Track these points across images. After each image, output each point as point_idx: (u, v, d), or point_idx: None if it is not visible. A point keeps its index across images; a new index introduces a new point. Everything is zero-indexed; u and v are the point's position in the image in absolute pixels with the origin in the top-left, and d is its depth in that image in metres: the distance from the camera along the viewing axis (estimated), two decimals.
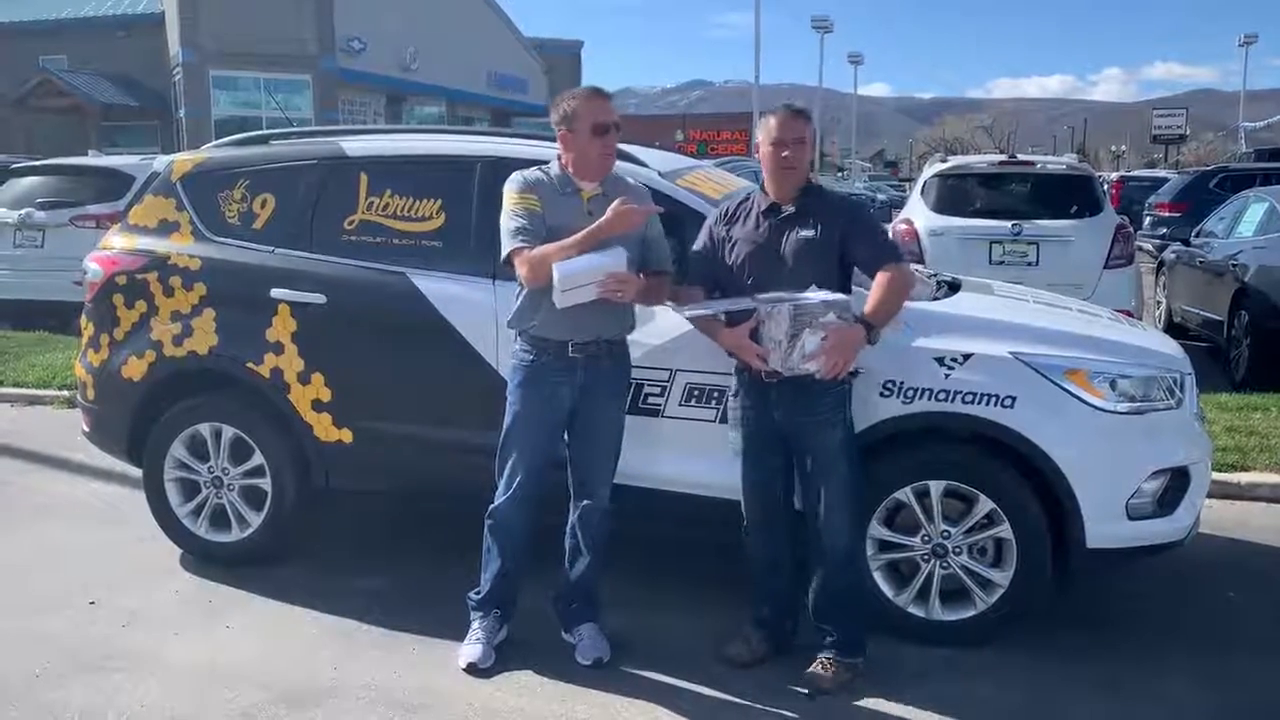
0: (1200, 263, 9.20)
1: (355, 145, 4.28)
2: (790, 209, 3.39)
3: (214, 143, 4.64)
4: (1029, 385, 3.51)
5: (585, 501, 3.48)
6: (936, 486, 3.58)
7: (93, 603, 4.02)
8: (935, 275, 4.56)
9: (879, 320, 3.26)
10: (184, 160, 4.49)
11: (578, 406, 3.41)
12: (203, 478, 4.31)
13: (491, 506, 3.50)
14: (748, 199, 3.51)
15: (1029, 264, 7.65)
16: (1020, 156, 8.44)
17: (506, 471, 3.45)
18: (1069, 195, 7.96)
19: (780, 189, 3.40)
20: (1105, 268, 7.53)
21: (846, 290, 3.36)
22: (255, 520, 4.27)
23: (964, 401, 3.51)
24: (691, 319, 3.42)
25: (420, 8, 31.19)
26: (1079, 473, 3.48)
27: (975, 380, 3.51)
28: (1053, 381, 3.52)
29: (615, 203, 3.21)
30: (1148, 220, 16.25)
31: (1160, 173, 26.00)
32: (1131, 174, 28.52)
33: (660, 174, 3.99)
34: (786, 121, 3.36)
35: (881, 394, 3.56)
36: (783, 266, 3.32)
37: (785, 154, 3.34)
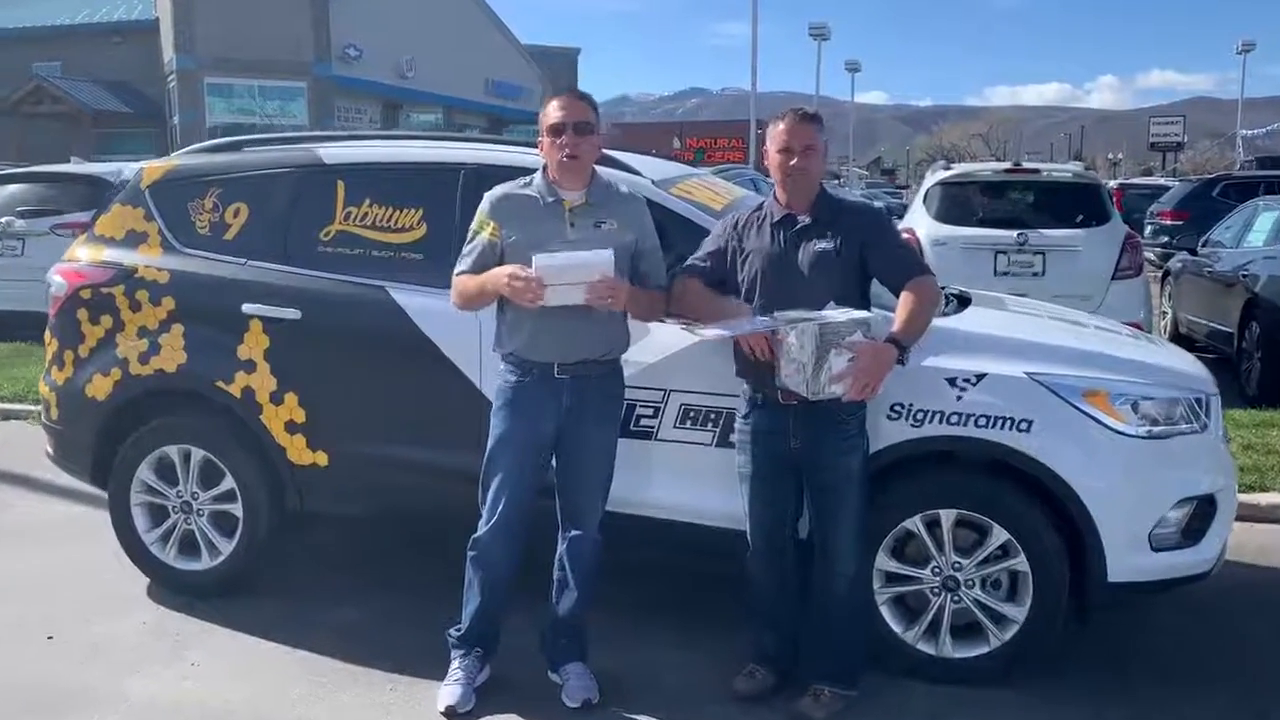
0: (1208, 273, 9.00)
1: (332, 152, 4.06)
2: (806, 219, 3.19)
3: (185, 149, 4.42)
4: (1046, 408, 3.30)
5: (574, 532, 3.25)
6: (948, 515, 3.37)
7: (51, 637, 3.79)
8: (944, 289, 4.34)
9: (909, 338, 3.06)
10: (153, 168, 4.27)
11: (565, 431, 3.18)
12: (171, 502, 4.09)
13: (474, 536, 3.27)
14: (760, 208, 3.31)
15: (1035, 274, 7.44)
16: (1025, 164, 8.25)
17: (489, 499, 3.23)
18: (1075, 204, 7.75)
19: (792, 198, 3.21)
20: (1113, 278, 7.32)
21: (865, 306, 3.15)
22: (226, 547, 4.04)
23: (977, 425, 3.30)
24: (705, 333, 3.19)
25: (417, 15, 31.07)
26: (1100, 501, 3.27)
27: (989, 402, 3.30)
28: (1071, 404, 3.31)
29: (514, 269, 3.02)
30: (1149, 229, 16.06)
31: (1159, 180, 25.85)
32: (1131, 181, 28.38)
33: (654, 182, 3.78)
34: (795, 127, 3.16)
35: (889, 417, 3.35)
36: (799, 281, 3.12)
37: (794, 162, 3.14)
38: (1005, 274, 7.44)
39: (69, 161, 12.60)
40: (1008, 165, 8.08)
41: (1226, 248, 9.12)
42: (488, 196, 3.20)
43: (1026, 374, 3.33)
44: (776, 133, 3.20)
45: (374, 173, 3.96)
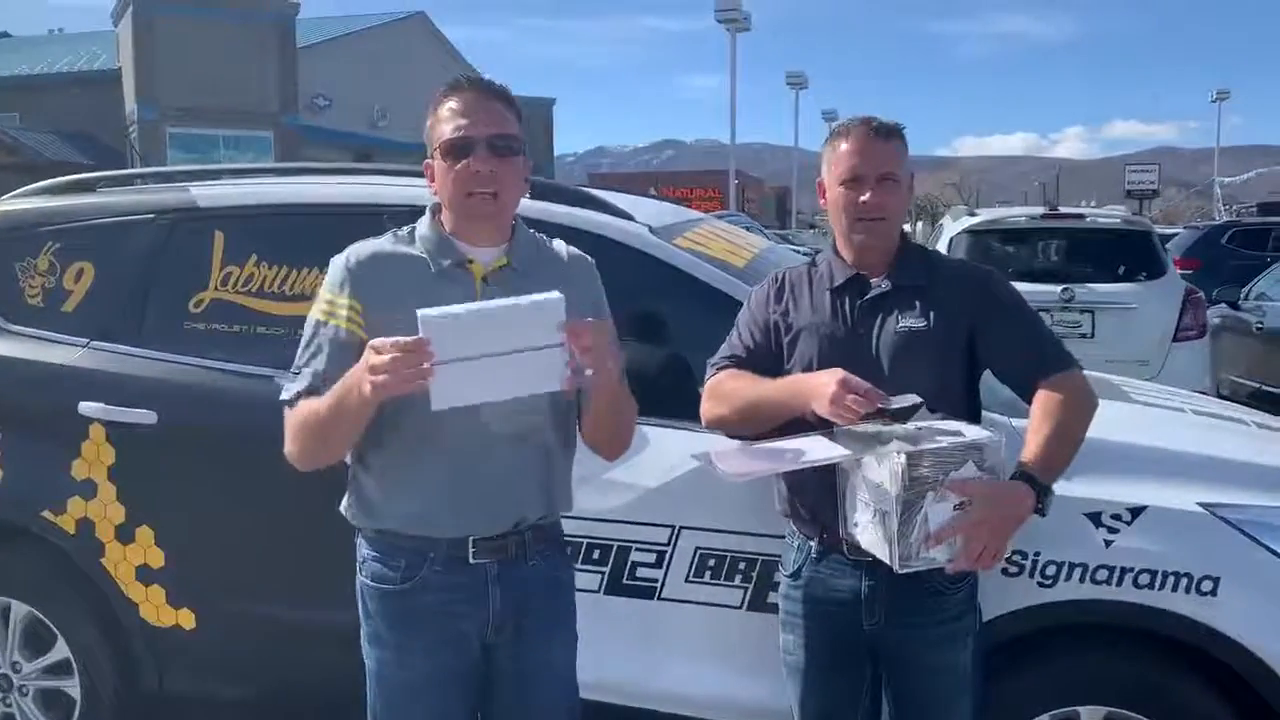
0: (1258, 329, 8.13)
1: (211, 193, 3.00)
2: (884, 285, 2.12)
3: (20, 190, 3.33)
4: (1236, 557, 2.27)
5: None
6: (1092, 715, 2.33)
7: None
8: None
9: (1051, 472, 1.95)
10: None
11: (495, 655, 1.96)
12: None
13: None
14: (813, 266, 2.24)
15: (1083, 336, 6.47)
16: (1065, 209, 7.34)
17: None
18: (1125, 254, 6.83)
19: (862, 252, 2.14)
20: (1174, 340, 6.37)
21: (973, 416, 2.10)
22: None
23: (1137, 585, 2.26)
24: (732, 472, 2.07)
25: (388, 64, 30.87)
26: None
27: (1153, 551, 2.26)
28: (1274, 552, 2.26)
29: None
30: None
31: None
32: None
33: (651, 230, 2.75)
34: (867, 145, 2.09)
35: (1006, 572, 2.29)
36: (874, 375, 2.00)
37: (865, 197, 2.07)
38: None
39: None
40: (1043, 210, 7.17)
41: (1274, 301, 8.25)
42: (340, 261, 1.95)
43: (1202, 506, 2.29)
44: (837, 156, 2.13)
45: (263, 220, 2.91)
